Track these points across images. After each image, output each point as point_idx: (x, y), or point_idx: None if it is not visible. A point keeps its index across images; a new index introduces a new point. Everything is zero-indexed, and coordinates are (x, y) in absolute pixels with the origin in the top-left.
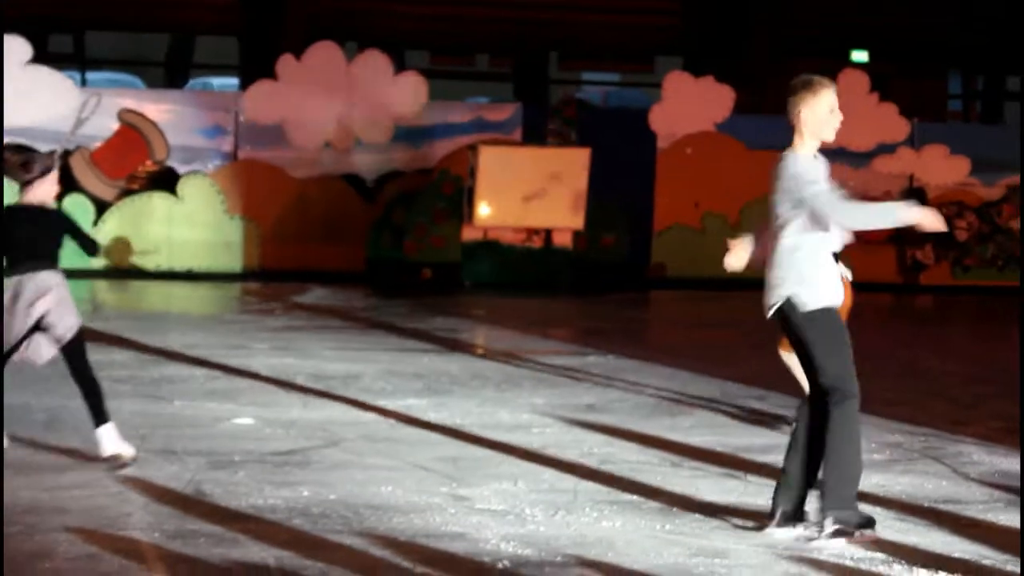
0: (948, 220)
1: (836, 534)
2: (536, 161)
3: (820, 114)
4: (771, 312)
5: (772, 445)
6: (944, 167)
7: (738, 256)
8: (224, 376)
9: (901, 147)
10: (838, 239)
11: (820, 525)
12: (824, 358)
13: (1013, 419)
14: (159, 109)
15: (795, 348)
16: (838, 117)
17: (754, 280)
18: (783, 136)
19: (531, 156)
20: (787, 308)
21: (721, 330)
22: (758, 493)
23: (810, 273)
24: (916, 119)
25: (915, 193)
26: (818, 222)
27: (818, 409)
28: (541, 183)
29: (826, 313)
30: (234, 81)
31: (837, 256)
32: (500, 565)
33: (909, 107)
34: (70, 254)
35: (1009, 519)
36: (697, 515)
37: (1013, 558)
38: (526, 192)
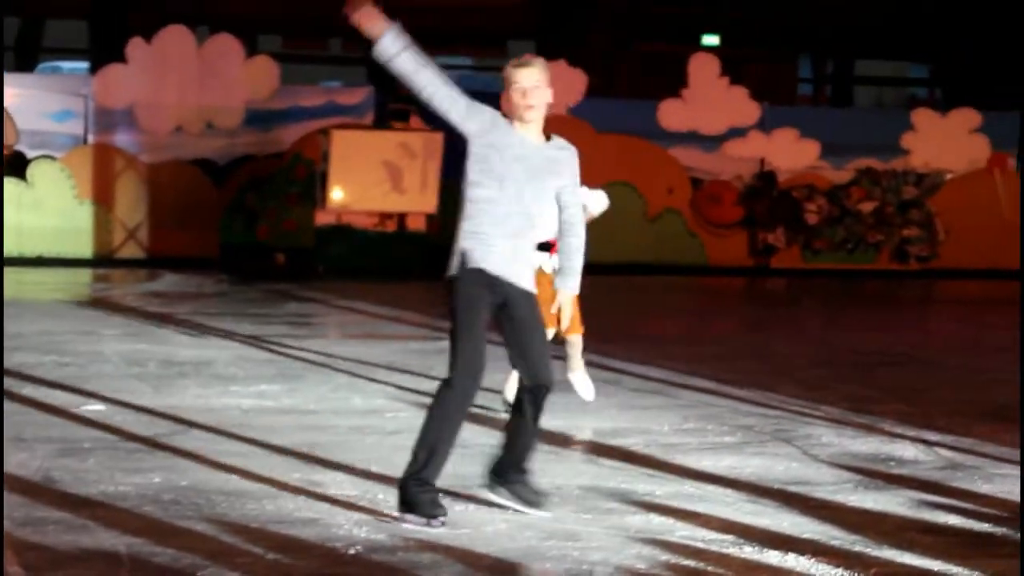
0: (798, 203)
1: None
2: (389, 145)
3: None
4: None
5: (626, 428)
6: (794, 150)
7: None
8: (75, 363)
9: (752, 131)
10: None
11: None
12: None
13: (860, 400)
14: (8, 93)
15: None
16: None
17: (604, 264)
18: (633, 120)
19: (384, 140)
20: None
21: None
22: (611, 476)
23: None
24: (767, 103)
25: (766, 177)
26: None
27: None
28: (394, 167)
29: None
30: (84, 65)
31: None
32: (352, 550)
33: (760, 91)
34: None
35: (857, 499)
36: (550, 498)
37: (861, 538)
38: (379, 175)
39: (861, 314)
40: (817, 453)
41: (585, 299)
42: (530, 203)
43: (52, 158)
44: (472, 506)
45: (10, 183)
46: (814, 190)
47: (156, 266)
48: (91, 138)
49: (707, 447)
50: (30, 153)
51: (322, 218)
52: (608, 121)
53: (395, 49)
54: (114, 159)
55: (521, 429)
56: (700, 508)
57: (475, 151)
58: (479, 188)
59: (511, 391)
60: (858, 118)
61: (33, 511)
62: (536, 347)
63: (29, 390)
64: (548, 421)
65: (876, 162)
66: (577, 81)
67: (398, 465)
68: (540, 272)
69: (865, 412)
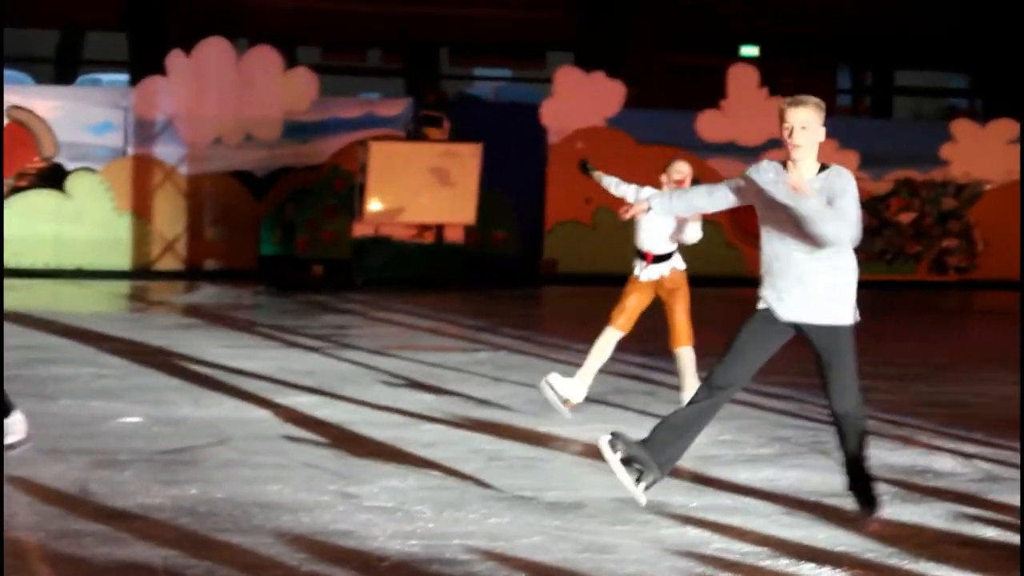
0: None
1: None
2: (427, 156)
3: None
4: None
5: None
6: (833, 161)
7: None
8: (112, 374)
9: None
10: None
11: None
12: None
13: (898, 412)
14: (48, 105)
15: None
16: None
17: None
18: (672, 131)
19: (422, 151)
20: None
21: None
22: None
23: None
24: None
25: None
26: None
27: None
28: (432, 178)
29: None
30: (124, 77)
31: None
32: (387, 563)
33: None
34: None
35: (893, 512)
36: (586, 510)
37: (897, 551)
38: (417, 186)
39: (899, 325)
40: None
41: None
42: (803, 238)
43: (92, 170)
44: (508, 518)
45: (49, 195)
46: None
47: (195, 278)
48: (130, 150)
49: (744, 459)
50: (69, 165)
51: (360, 230)
52: (647, 132)
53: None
54: (153, 171)
55: (845, 455)
56: (736, 520)
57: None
58: (764, 241)
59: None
60: (897, 129)
61: (69, 523)
62: (832, 378)
63: (66, 402)
64: (582, 432)
65: (915, 173)
66: (616, 92)
67: (434, 477)
68: (635, 280)
69: (902, 424)
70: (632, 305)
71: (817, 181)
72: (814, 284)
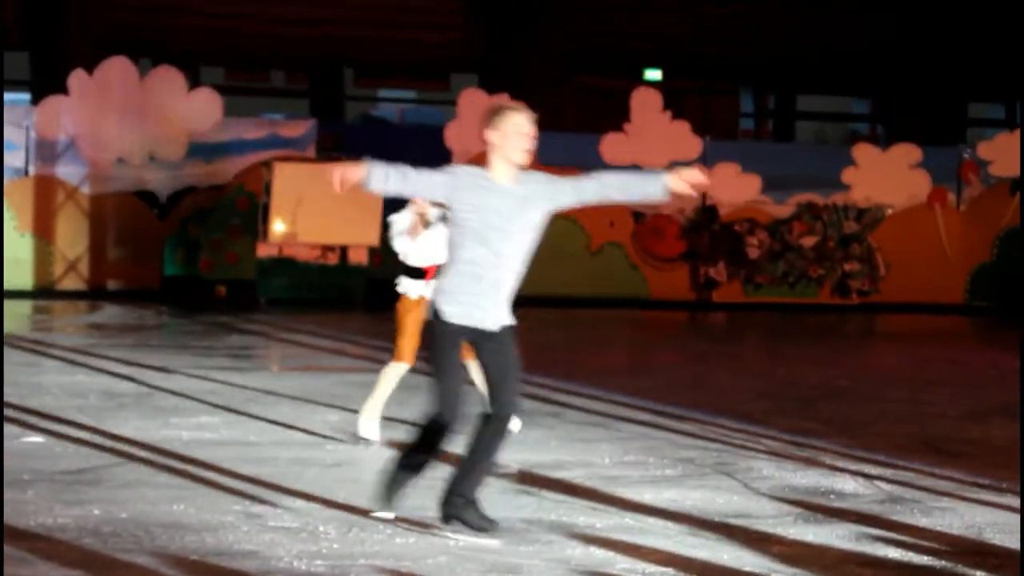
0: (740, 237)
1: None
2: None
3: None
4: (503, 326)
5: (567, 461)
6: (736, 185)
7: None
8: (15, 394)
9: (694, 165)
10: None
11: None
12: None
13: (801, 433)
14: None
15: (499, 362)
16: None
17: (546, 297)
18: (576, 153)
19: (326, 173)
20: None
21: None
22: (552, 509)
23: None
24: (708, 137)
25: (708, 211)
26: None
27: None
28: (337, 200)
29: None
30: (25, 96)
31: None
32: None
33: (702, 125)
34: None
35: (798, 532)
36: (492, 531)
37: (801, 571)
38: (321, 207)
39: (802, 348)
40: (758, 486)
41: (533, 333)
42: (498, 247)
43: None
44: (413, 538)
45: None
46: (755, 224)
47: (97, 298)
48: (32, 170)
49: (648, 480)
50: None
51: (264, 250)
52: (551, 154)
53: (381, 181)
54: (55, 191)
55: (477, 458)
56: (641, 541)
57: (451, 213)
58: (458, 246)
59: (363, 426)
60: (799, 153)
61: None
62: (508, 378)
63: None
64: None
65: (817, 197)
66: None
67: (339, 497)
68: (408, 299)
69: (806, 445)
70: (417, 333)
71: (519, 186)
72: (501, 291)
